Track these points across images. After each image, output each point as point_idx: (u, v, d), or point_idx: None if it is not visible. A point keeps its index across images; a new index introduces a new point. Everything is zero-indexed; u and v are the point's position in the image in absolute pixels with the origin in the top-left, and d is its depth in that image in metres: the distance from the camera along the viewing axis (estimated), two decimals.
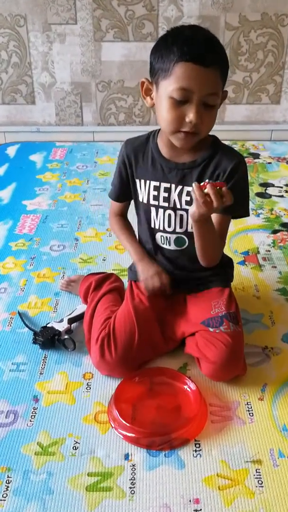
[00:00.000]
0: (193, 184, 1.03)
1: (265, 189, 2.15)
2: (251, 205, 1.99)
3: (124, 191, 1.30)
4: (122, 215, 1.37)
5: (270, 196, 2.10)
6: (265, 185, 2.19)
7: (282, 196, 2.09)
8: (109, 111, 2.68)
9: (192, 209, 1.07)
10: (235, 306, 1.25)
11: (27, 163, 2.44)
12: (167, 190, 1.21)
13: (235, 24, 2.48)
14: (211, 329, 1.19)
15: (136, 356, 1.21)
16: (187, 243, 1.24)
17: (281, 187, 2.17)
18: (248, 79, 2.60)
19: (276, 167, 2.38)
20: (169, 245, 1.26)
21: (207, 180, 1.04)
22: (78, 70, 2.58)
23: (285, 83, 2.63)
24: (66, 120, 2.69)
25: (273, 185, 2.19)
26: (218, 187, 1.02)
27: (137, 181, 1.25)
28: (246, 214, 1.23)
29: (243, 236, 1.79)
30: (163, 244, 1.27)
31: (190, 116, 1.05)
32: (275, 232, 1.83)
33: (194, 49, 1.02)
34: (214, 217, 1.16)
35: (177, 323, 1.27)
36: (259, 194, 2.11)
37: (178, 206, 1.21)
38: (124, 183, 1.28)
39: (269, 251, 1.71)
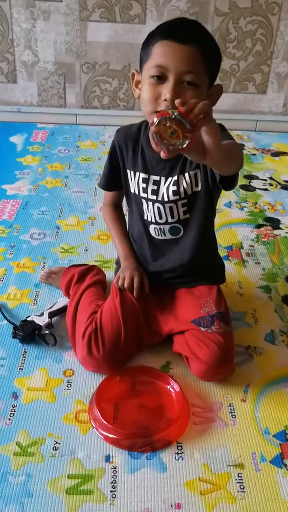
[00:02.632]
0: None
1: (249, 182, 2.14)
2: (234, 198, 1.99)
3: (113, 180, 1.28)
4: (116, 206, 1.35)
5: (254, 189, 2.08)
6: (249, 177, 2.18)
7: (266, 190, 2.08)
8: (93, 94, 2.61)
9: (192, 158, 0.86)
10: (225, 305, 1.24)
11: (7, 145, 2.37)
12: (156, 183, 1.19)
13: (225, 10, 2.43)
14: (202, 329, 1.17)
15: (123, 352, 1.19)
16: (182, 231, 1.22)
17: (265, 180, 2.16)
18: (236, 67, 2.56)
19: (261, 158, 2.36)
20: (164, 235, 1.24)
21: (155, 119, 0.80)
22: (62, 49, 2.50)
23: (272, 73, 2.60)
24: (48, 101, 2.61)
25: (257, 178, 2.17)
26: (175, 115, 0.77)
27: (128, 171, 1.23)
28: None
29: (227, 230, 1.77)
30: (158, 235, 1.24)
31: (166, 93, 1.01)
32: (258, 226, 1.82)
33: (172, 27, 1.04)
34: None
35: (165, 319, 1.25)
36: (243, 187, 2.09)
37: (166, 199, 1.19)
38: (113, 172, 1.26)
39: (252, 246, 1.70)
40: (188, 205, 1.19)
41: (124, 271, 1.27)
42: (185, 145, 0.79)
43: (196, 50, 1.01)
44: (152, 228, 1.24)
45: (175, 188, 1.17)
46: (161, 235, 1.24)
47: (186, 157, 1.12)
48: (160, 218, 1.21)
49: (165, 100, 1.01)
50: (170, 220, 1.21)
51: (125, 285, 1.25)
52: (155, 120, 0.79)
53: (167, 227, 1.22)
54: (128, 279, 1.25)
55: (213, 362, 1.13)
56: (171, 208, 1.19)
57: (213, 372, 1.15)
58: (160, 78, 1.02)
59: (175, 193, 1.17)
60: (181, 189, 1.17)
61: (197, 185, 1.17)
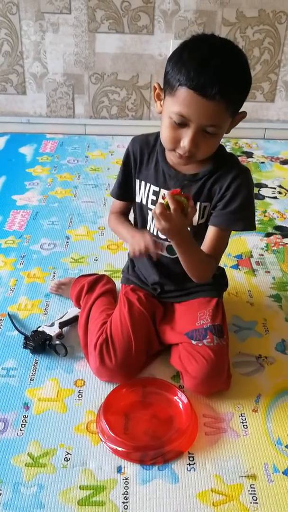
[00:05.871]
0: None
1: (259, 190, 2.14)
2: None
3: (126, 189, 1.26)
4: (122, 213, 1.31)
5: (263, 197, 2.08)
6: (259, 185, 2.17)
7: (275, 198, 2.08)
8: (102, 104, 2.63)
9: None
10: (221, 318, 1.23)
11: (16, 156, 2.39)
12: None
13: (232, 19, 2.44)
14: (193, 342, 1.17)
15: (135, 360, 1.19)
16: None
17: (275, 188, 2.16)
18: None
19: (270, 167, 2.36)
20: (162, 251, 1.23)
21: (166, 192, 1.02)
22: (71, 61, 2.52)
23: (280, 81, 2.61)
24: (57, 112, 2.64)
25: (266, 186, 2.17)
26: (177, 196, 1.00)
27: (138, 181, 1.22)
28: (250, 227, 1.15)
29: (237, 239, 1.77)
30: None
31: (185, 142, 1.02)
32: (268, 235, 1.81)
33: (200, 77, 0.96)
34: (208, 230, 1.14)
35: (163, 330, 1.25)
36: None
37: None
38: (126, 181, 1.24)
39: (262, 255, 1.70)
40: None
41: (133, 241, 1.16)
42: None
43: (222, 104, 0.98)
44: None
45: None
46: (159, 251, 1.23)
47: (201, 186, 1.14)
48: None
49: (184, 147, 1.03)
50: None
51: (140, 245, 1.13)
52: (167, 194, 1.01)
53: (165, 243, 1.21)
54: (140, 239, 1.14)
55: (201, 377, 1.12)
56: None
57: (203, 386, 1.14)
58: (181, 124, 1.02)
59: None
60: None
61: (202, 218, 1.17)
